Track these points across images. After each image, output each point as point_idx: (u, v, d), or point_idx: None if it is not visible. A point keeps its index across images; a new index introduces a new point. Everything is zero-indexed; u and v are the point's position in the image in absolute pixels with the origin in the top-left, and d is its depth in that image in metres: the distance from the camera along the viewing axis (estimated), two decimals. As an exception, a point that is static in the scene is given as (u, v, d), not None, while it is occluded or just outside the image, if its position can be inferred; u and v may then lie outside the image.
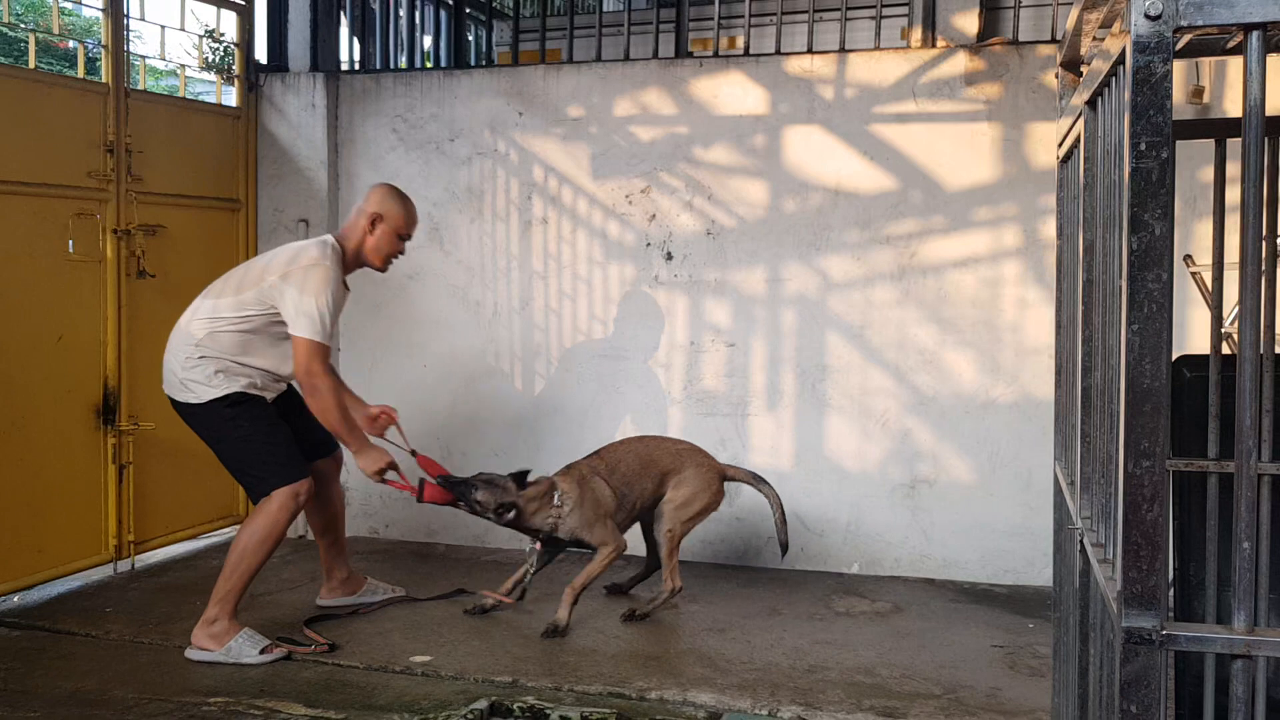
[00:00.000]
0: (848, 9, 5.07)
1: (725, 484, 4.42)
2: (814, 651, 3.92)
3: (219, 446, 3.94)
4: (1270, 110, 1.42)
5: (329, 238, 4.04)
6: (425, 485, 4.04)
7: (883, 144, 4.86)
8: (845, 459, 4.95)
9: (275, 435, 3.93)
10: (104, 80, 4.66)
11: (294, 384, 4.04)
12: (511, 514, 4.06)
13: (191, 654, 3.79)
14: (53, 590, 4.52)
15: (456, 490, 4.06)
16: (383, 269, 4.17)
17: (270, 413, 3.96)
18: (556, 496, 4.13)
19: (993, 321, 4.77)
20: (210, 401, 3.84)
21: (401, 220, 4.10)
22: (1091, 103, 1.75)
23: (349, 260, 4.05)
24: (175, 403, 3.95)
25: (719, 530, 5.09)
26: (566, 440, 5.26)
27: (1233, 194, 1.82)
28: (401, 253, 4.17)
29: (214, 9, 5.34)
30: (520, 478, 4.13)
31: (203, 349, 3.85)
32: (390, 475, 3.97)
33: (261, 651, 3.76)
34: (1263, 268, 1.97)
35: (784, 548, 4.41)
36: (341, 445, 4.09)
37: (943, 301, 4.81)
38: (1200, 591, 2.46)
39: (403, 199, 4.14)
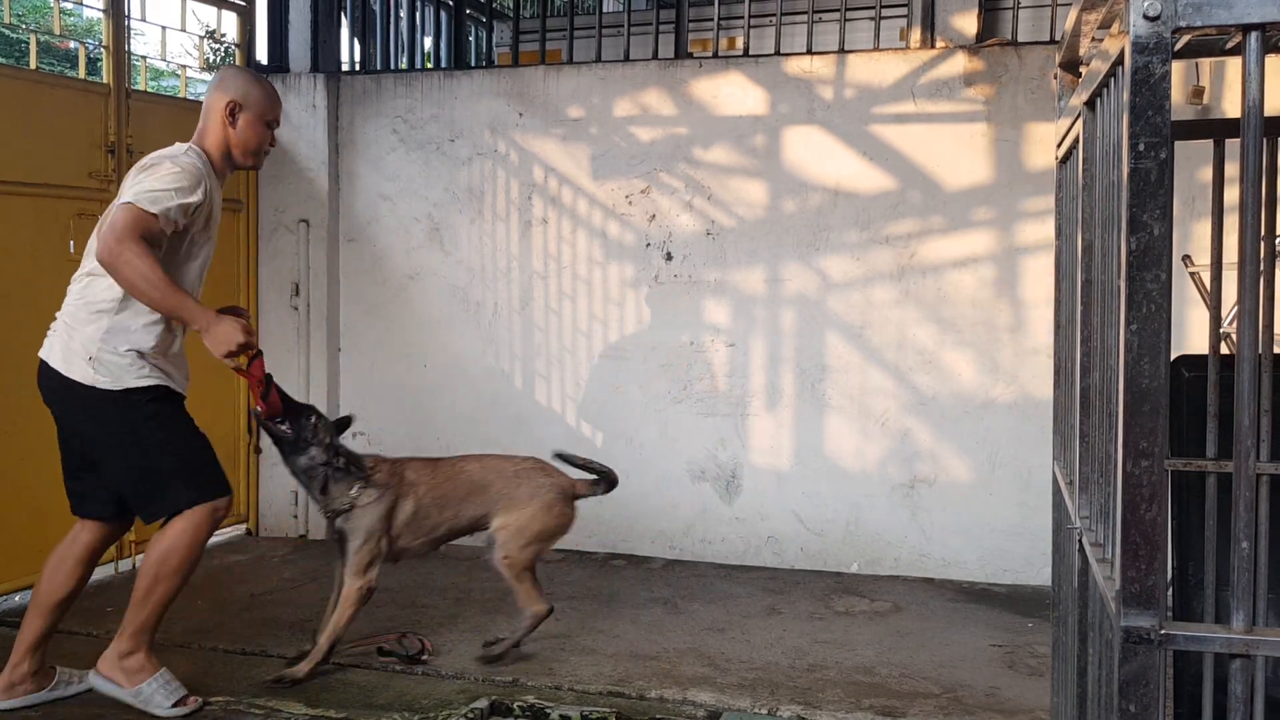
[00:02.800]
0: (847, 10, 5.08)
1: (577, 501, 3.93)
2: (813, 651, 3.92)
3: (126, 449, 3.30)
4: (1269, 111, 1.43)
5: (185, 144, 3.37)
6: (273, 387, 3.47)
7: (882, 144, 4.87)
8: (845, 459, 4.96)
9: (199, 440, 3.39)
10: (105, 81, 4.67)
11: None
12: (335, 462, 3.62)
13: (95, 681, 3.35)
14: (53, 590, 4.51)
15: (293, 406, 3.60)
16: (255, 165, 3.54)
17: (187, 415, 3.42)
18: (358, 487, 3.66)
19: (992, 321, 4.78)
20: (130, 390, 3.24)
21: (264, 102, 3.42)
22: (1090, 103, 1.75)
23: (217, 164, 3.39)
24: (70, 383, 3.28)
25: (718, 530, 5.10)
26: (567, 441, 5.27)
27: (1231, 194, 1.83)
28: (273, 144, 3.53)
29: (215, 10, 5.35)
30: (341, 424, 3.81)
31: (101, 312, 3.23)
32: (239, 363, 3.30)
33: (174, 704, 3.29)
34: (1261, 268, 1.97)
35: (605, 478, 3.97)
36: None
37: (942, 301, 4.82)
38: (1199, 591, 2.46)
39: (257, 78, 3.49)
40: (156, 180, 3.16)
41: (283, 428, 3.57)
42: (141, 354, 3.26)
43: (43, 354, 3.38)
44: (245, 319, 3.36)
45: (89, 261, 3.29)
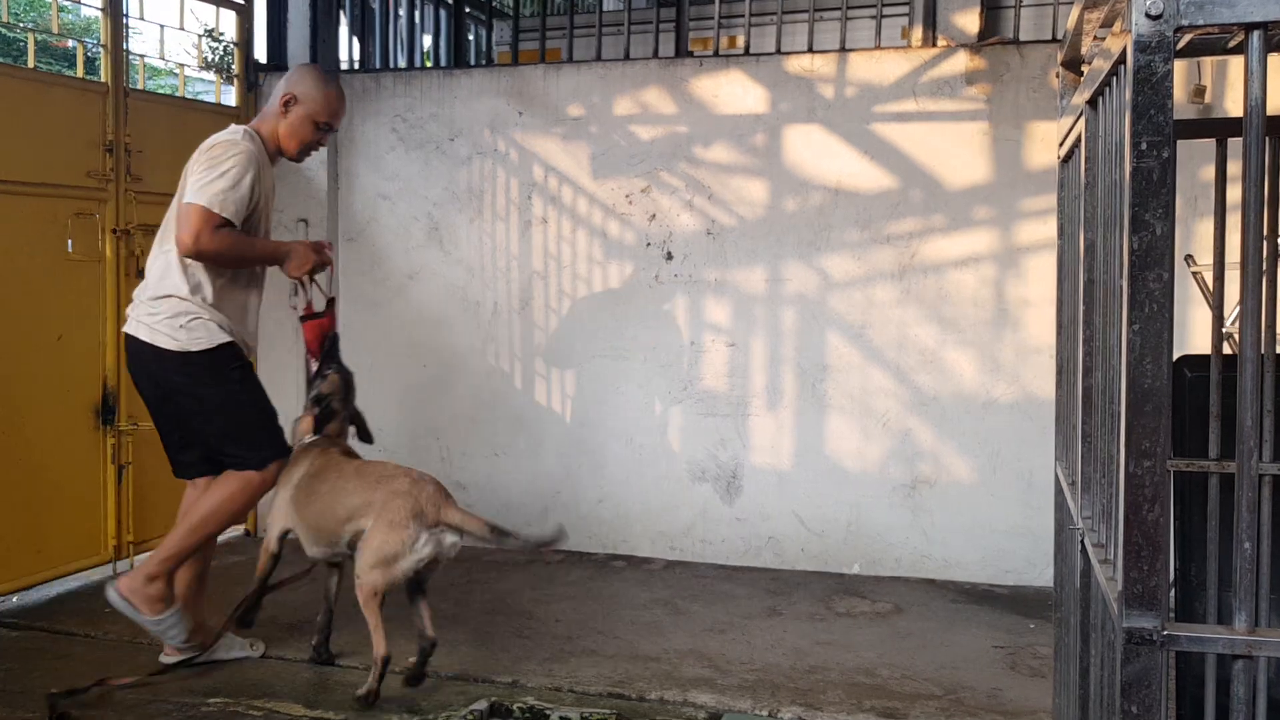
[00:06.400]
0: (848, 8, 5.07)
1: (440, 527, 3.42)
2: (814, 652, 3.91)
3: (216, 406, 3.59)
4: (1271, 110, 1.42)
5: (241, 126, 3.70)
6: (319, 322, 3.82)
7: (883, 143, 4.86)
8: (846, 459, 4.95)
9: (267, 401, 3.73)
10: (103, 80, 4.66)
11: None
12: (313, 413, 3.74)
13: (112, 598, 3.57)
14: (52, 591, 4.51)
15: (328, 353, 3.81)
16: (296, 158, 3.80)
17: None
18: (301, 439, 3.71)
19: (993, 321, 4.77)
20: (219, 348, 3.55)
21: (319, 104, 3.68)
22: (1092, 102, 1.74)
23: (269, 147, 3.70)
24: (161, 352, 3.52)
25: (719, 530, 5.09)
26: (566, 440, 5.27)
27: (1234, 193, 1.82)
28: (321, 143, 3.79)
29: (213, 8, 5.34)
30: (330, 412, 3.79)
31: (183, 297, 3.54)
32: (306, 286, 3.78)
33: (186, 640, 3.62)
34: (1264, 267, 1.97)
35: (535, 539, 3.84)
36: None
37: (943, 301, 4.81)
38: (1201, 592, 2.45)
39: (324, 81, 3.74)
40: (217, 170, 3.46)
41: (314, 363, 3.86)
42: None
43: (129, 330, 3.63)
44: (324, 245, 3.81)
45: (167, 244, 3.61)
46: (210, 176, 3.45)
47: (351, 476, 3.55)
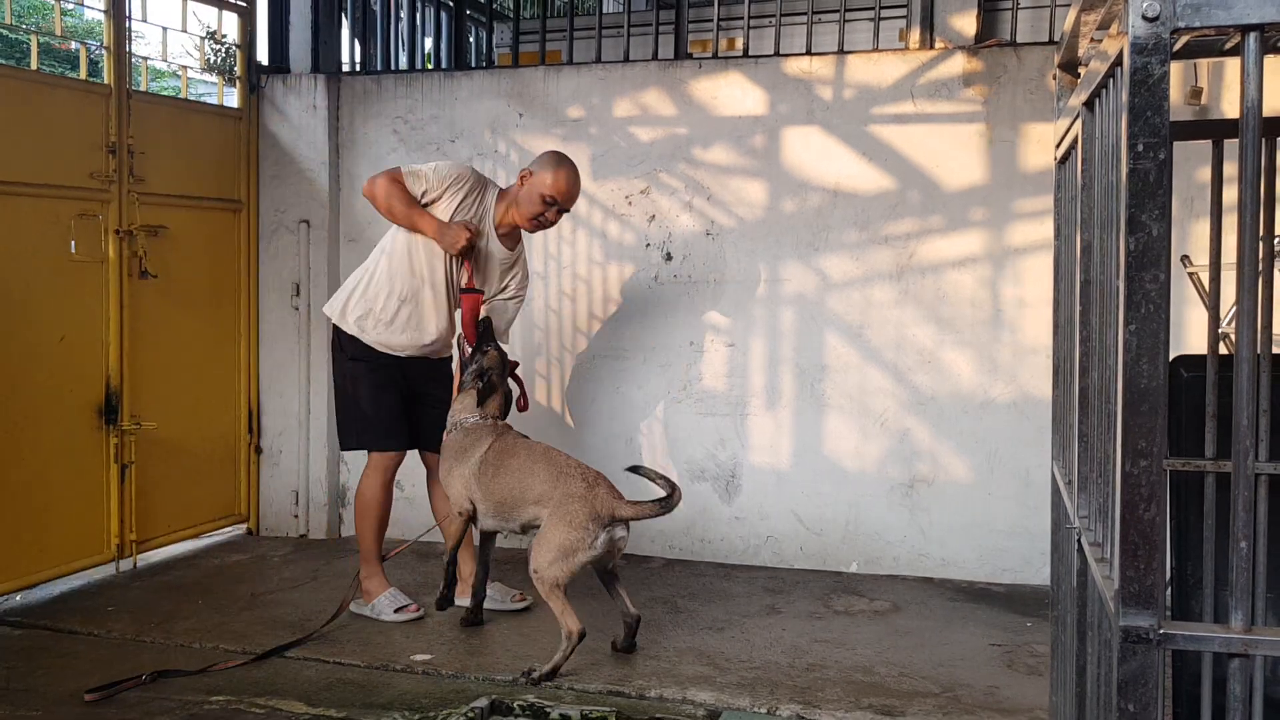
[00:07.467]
0: (846, 10, 5.08)
1: (614, 524, 3.69)
2: (813, 650, 3.93)
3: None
4: (1267, 111, 1.43)
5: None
6: (477, 298, 4.14)
7: (881, 144, 4.87)
8: (844, 458, 4.96)
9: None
10: (106, 82, 4.67)
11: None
12: (476, 387, 4.05)
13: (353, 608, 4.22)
14: (55, 589, 4.52)
15: (482, 334, 4.11)
16: (529, 227, 4.14)
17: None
18: (465, 417, 4.02)
19: (991, 321, 4.78)
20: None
21: (547, 181, 4.01)
22: (1089, 104, 1.75)
23: (507, 208, 4.13)
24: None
25: (718, 529, 5.10)
26: (566, 440, 5.27)
27: (1230, 194, 1.83)
28: (548, 220, 4.09)
29: (215, 10, 5.35)
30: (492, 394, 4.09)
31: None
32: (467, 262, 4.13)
33: (396, 610, 4.17)
34: (1260, 268, 1.98)
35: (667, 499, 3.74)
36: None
37: (941, 301, 4.82)
38: (1198, 591, 2.46)
39: (557, 163, 4.05)
40: (421, 165, 4.19)
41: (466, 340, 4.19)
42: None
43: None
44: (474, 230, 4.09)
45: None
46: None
47: (541, 461, 3.84)
